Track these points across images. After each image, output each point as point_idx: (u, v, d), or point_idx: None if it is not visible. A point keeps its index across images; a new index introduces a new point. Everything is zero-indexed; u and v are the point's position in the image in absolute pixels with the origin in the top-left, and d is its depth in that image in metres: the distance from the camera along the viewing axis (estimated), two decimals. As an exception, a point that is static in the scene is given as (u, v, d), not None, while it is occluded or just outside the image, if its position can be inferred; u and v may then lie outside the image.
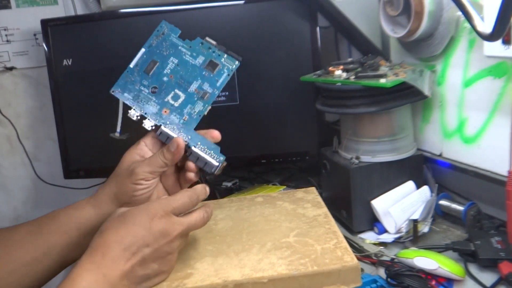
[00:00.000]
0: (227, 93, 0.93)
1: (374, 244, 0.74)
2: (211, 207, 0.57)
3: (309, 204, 0.72)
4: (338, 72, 0.76)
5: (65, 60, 0.96)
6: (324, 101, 0.80)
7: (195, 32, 0.94)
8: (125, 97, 0.65)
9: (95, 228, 0.58)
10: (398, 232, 0.75)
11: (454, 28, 0.72)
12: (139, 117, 0.63)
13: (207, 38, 0.66)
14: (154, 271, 0.52)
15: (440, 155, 0.80)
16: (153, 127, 0.63)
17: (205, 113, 0.63)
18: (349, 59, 0.84)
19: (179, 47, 0.66)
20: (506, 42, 0.59)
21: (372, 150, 0.76)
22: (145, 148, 0.62)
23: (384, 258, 0.69)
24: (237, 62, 0.66)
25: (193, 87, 0.63)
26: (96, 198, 0.62)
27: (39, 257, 0.59)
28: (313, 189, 0.78)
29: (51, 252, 0.60)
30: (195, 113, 0.63)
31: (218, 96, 0.93)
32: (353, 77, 0.74)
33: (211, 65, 0.65)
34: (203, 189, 0.58)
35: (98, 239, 0.50)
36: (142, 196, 0.59)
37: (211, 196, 0.96)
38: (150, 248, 0.51)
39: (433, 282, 0.62)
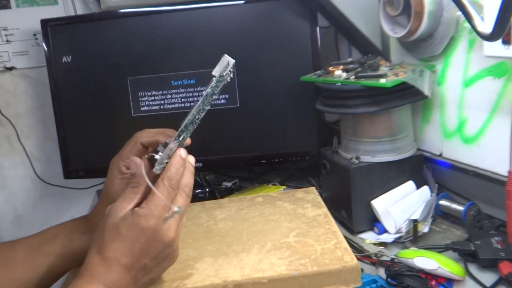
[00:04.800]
0: (227, 96, 0.93)
1: (374, 244, 0.74)
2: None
3: (309, 204, 0.72)
4: (338, 72, 0.76)
5: (64, 58, 0.96)
6: (324, 101, 0.80)
7: (195, 32, 0.95)
8: None
9: None
10: (398, 232, 0.75)
11: (454, 28, 0.72)
12: None
13: None
14: (157, 274, 0.53)
15: (440, 155, 0.79)
16: None
17: None
18: (349, 59, 0.84)
19: None
20: (506, 42, 0.59)
21: (372, 150, 0.76)
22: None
23: (384, 258, 0.69)
24: None
25: None
26: (92, 222, 0.63)
27: (40, 277, 0.60)
28: (313, 189, 0.78)
29: (52, 271, 0.61)
30: None
31: (218, 99, 0.93)
32: (353, 77, 0.74)
33: None
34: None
35: (96, 256, 0.50)
36: None
37: (211, 196, 0.97)
38: (151, 257, 0.51)
39: (433, 282, 0.62)
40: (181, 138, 0.54)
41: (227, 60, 0.54)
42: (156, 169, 0.52)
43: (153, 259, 0.51)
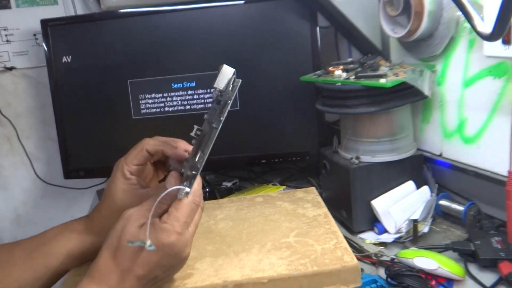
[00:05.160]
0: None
1: (374, 244, 0.74)
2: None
3: (309, 204, 0.72)
4: (338, 72, 0.76)
5: (64, 58, 0.96)
6: (324, 101, 0.80)
7: (195, 32, 0.95)
8: None
9: (92, 248, 0.60)
10: (398, 232, 0.75)
11: (454, 28, 0.72)
12: None
13: None
14: (164, 282, 0.54)
15: (440, 155, 0.79)
16: None
17: None
18: (349, 59, 0.84)
19: None
20: (506, 42, 0.59)
21: (372, 150, 0.76)
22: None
23: (384, 258, 0.69)
24: None
25: None
26: (90, 221, 0.63)
27: (39, 277, 0.60)
28: (313, 189, 0.78)
29: (51, 271, 0.61)
30: None
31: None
32: (353, 77, 0.74)
33: None
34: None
35: (111, 263, 0.50)
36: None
37: (211, 196, 0.97)
38: (164, 270, 0.51)
39: (433, 282, 0.62)
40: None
41: (230, 71, 0.52)
42: (181, 195, 0.51)
43: (166, 271, 0.52)
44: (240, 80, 0.52)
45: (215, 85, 0.52)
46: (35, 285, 0.60)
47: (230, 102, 0.51)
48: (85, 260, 0.62)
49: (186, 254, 0.52)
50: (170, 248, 0.49)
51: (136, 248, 0.49)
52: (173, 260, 0.51)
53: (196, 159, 0.52)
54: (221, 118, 0.51)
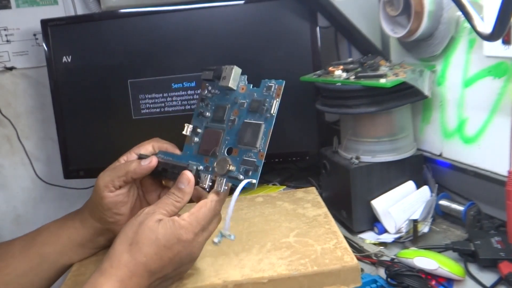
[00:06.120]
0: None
1: (374, 244, 0.74)
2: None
3: (309, 204, 0.72)
4: (338, 72, 0.76)
5: (64, 58, 0.96)
6: (324, 101, 0.80)
7: (195, 32, 0.95)
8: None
9: (84, 239, 0.62)
10: (398, 232, 0.75)
11: (454, 28, 0.72)
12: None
13: None
14: (168, 285, 0.54)
15: (440, 155, 0.80)
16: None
17: None
18: (349, 59, 0.84)
19: None
20: (506, 42, 0.59)
21: (372, 150, 0.76)
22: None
23: (384, 258, 0.69)
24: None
25: None
26: (81, 212, 0.64)
27: (34, 267, 0.61)
28: (313, 189, 0.78)
29: (45, 261, 0.62)
30: None
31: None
32: (353, 77, 0.74)
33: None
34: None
35: (125, 256, 0.50)
36: (113, 213, 0.60)
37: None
38: (174, 268, 0.52)
39: (433, 282, 0.62)
40: None
41: (240, 71, 0.57)
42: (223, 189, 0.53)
43: (175, 270, 0.52)
44: (246, 76, 0.58)
45: (229, 85, 0.56)
46: (30, 274, 0.61)
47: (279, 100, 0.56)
48: (80, 251, 0.63)
49: (196, 256, 0.53)
50: (184, 245, 0.50)
51: (152, 241, 0.49)
52: (184, 259, 0.51)
53: (245, 156, 0.56)
54: (273, 113, 0.58)
